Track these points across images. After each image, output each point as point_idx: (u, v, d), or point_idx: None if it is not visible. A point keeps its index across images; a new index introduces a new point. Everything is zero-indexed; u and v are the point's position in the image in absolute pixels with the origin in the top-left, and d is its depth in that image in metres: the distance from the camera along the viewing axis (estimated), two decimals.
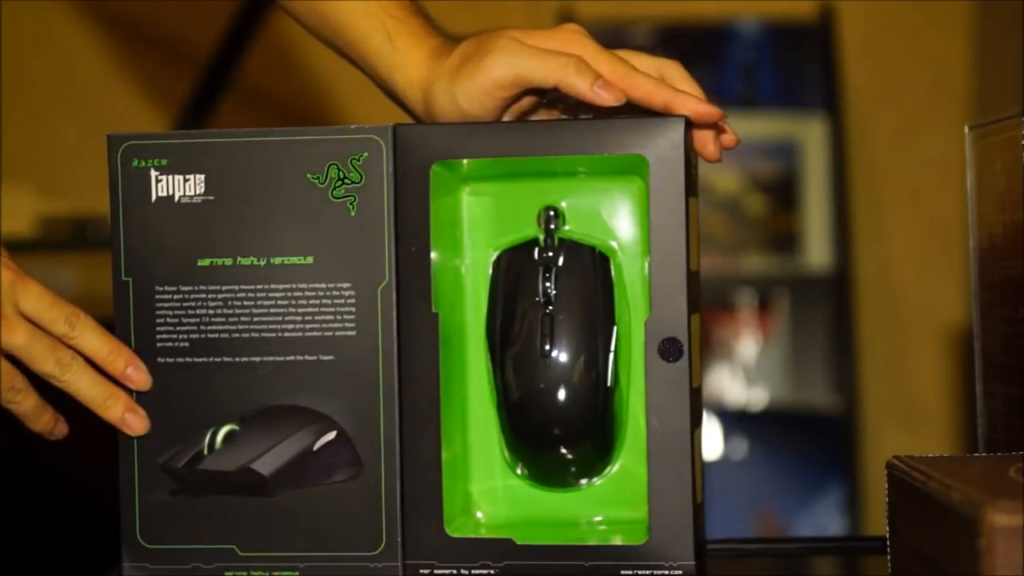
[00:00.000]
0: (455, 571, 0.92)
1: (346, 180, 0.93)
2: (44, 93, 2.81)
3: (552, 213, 0.95)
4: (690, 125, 0.92)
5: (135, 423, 0.94)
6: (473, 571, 0.92)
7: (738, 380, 2.62)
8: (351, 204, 0.93)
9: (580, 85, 0.92)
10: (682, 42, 2.66)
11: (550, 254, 0.94)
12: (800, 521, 2.55)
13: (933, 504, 0.77)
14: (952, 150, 2.67)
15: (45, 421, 0.96)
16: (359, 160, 0.93)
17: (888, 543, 0.87)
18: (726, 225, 2.65)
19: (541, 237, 0.95)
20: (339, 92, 2.72)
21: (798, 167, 2.67)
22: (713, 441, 2.57)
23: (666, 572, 0.91)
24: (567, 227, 0.96)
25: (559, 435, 0.93)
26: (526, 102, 0.97)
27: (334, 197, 0.93)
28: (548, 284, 0.93)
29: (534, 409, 0.93)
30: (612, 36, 2.57)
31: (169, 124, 2.54)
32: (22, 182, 2.68)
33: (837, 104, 2.68)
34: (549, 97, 0.98)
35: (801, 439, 2.59)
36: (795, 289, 2.65)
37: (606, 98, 0.92)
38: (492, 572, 0.92)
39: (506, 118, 0.97)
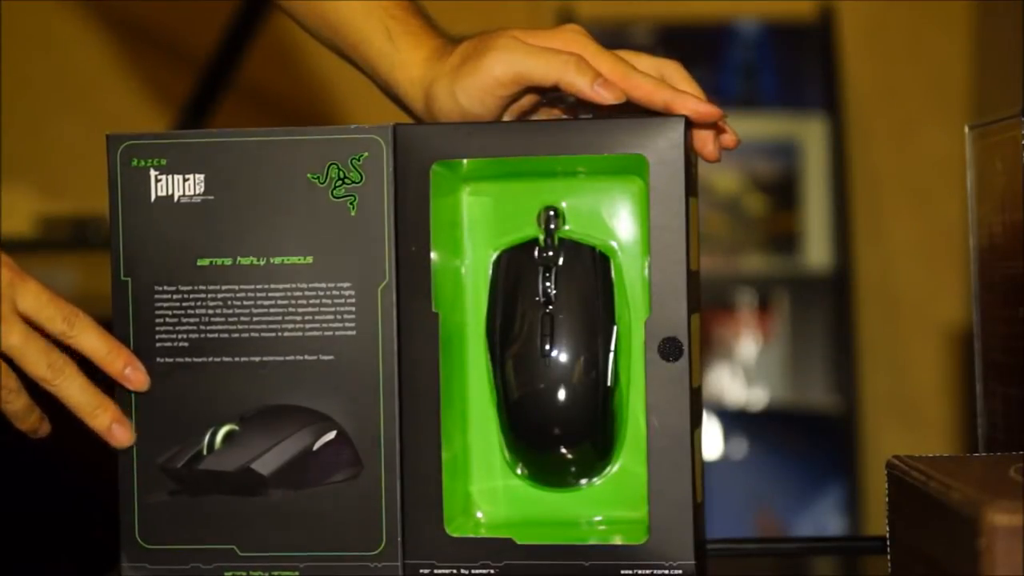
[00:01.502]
0: (455, 571, 0.92)
1: (346, 180, 0.93)
2: (44, 93, 2.81)
3: (552, 213, 0.95)
4: (690, 125, 0.92)
5: (121, 434, 0.94)
6: (473, 571, 0.92)
7: (738, 380, 2.62)
8: (351, 204, 0.93)
9: (580, 83, 0.92)
10: (682, 42, 2.66)
11: (550, 254, 0.94)
12: (800, 521, 2.55)
13: (933, 504, 0.77)
14: (952, 150, 2.67)
15: (32, 421, 0.96)
16: (359, 160, 0.93)
17: (888, 543, 0.87)
18: (726, 225, 2.65)
19: (541, 237, 0.95)
20: (339, 92, 2.72)
21: (798, 167, 2.67)
22: (713, 441, 2.57)
23: (666, 572, 0.91)
24: (567, 227, 0.96)
25: (559, 435, 0.93)
26: (526, 101, 0.97)
27: (334, 197, 0.93)
28: (548, 284, 0.93)
29: (534, 409, 0.93)
30: (612, 36, 2.57)
31: (169, 124, 2.54)
32: (22, 182, 2.68)
33: (837, 104, 2.68)
34: (549, 97, 0.98)
35: (801, 439, 2.59)
36: (795, 289, 2.64)
37: (606, 96, 0.92)
38: (492, 572, 0.92)
39: (506, 118, 0.97)
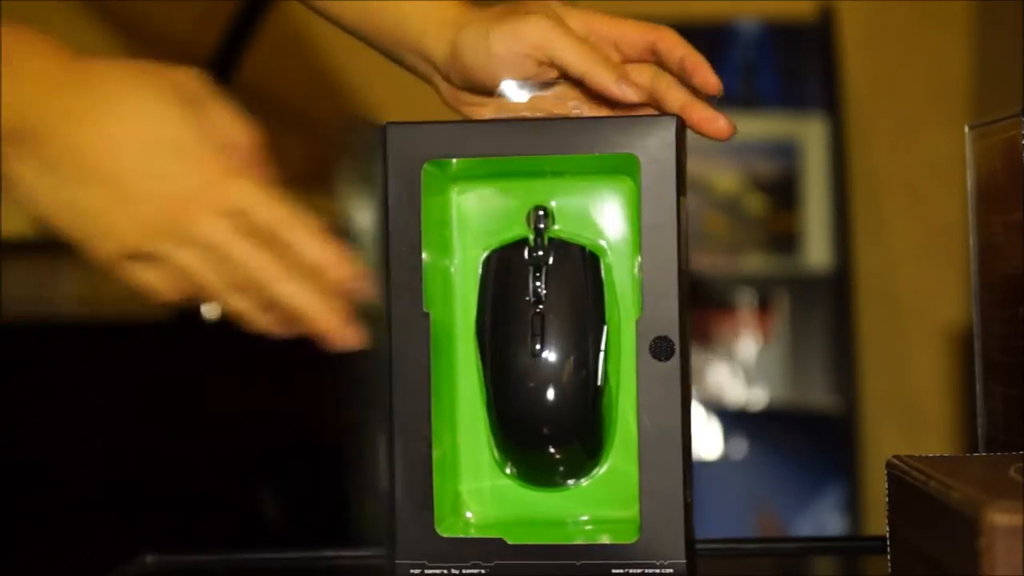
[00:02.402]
0: (446, 571, 0.92)
1: None
2: None
3: (542, 213, 0.95)
4: (682, 124, 0.93)
5: (347, 336, 0.88)
6: (464, 571, 0.92)
7: (738, 380, 2.62)
8: None
9: (606, 78, 0.94)
10: None
11: (540, 253, 0.94)
12: (800, 521, 2.55)
13: (933, 504, 0.77)
14: (952, 150, 2.67)
15: (267, 321, 0.88)
16: None
17: (888, 543, 0.87)
18: (726, 225, 2.65)
19: (531, 236, 0.95)
20: (339, 91, 2.72)
21: (798, 167, 2.66)
22: (713, 441, 2.57)
23: (657, 571, 0.91)
24: (556, 227, 0.95)
25: (548, 435, 0.93)
26: (543, 73, 0.98)
27: None
28: (538, 283, 0.93)
29: (523, 409, 0.93)
30: None
31: None
32: None
33: (837, 104, 2.67)
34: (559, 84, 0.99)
35: (801, 439, 2.59)
36: (795, 289, 2.64)
37: (630, 96, 0.94)
38: (483, 572, 0.92)
39: (517, 85, 0.97)
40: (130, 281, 0.86)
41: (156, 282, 0.86)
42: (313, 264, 0.87)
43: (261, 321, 0.88)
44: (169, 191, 0.84)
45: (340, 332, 0.88)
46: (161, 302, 0.87)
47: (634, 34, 0.99)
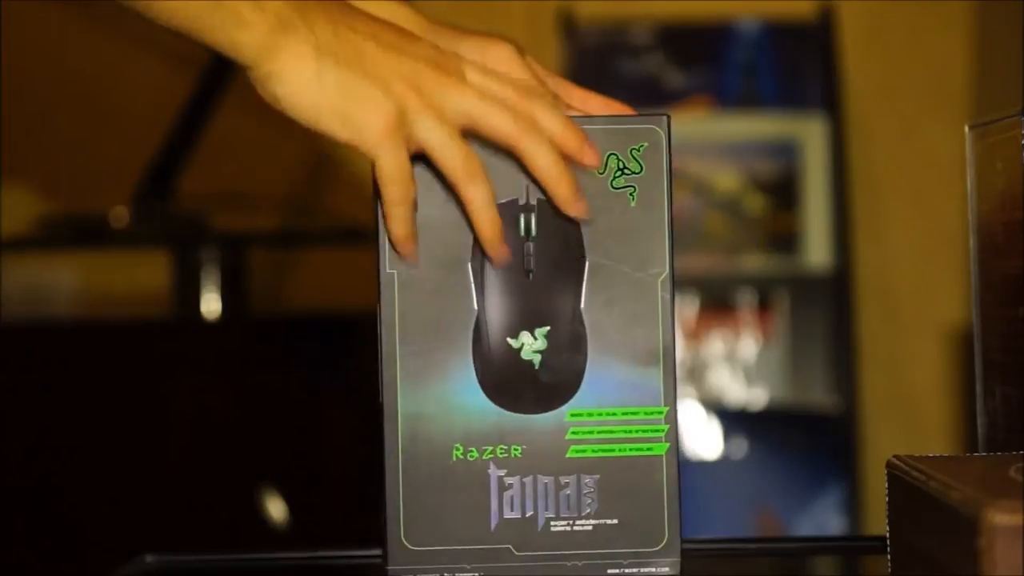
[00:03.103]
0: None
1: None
2: (44, 93, 2.81)
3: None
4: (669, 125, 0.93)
5: (581, 206, 0.90)
6: (456, 575, 0.92)
7: (738, 380, 2.62)
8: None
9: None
10: (682, 42, 2.66)
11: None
12: (800, 521, 2.55)
13: (933, 504, 0.77)
14: (952, 150, 2.67)
15: (493, 220, 0.90)
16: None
17: (888, 543, 0.87)
18: (726, 225, 2.65)
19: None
20: None
21: (798, 167, 2.66)
22: (713, 441, 2.57)
23: (653, 570, 0.91)
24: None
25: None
26: None
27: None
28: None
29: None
30: (612, 36, 2.56)
31: (168, 124, 2.54)
32: (22, 182, 2.68)
33: (837, 104, 2.68)
34: None
35: (801, 439, 2.59)
36: (795, 289, 2.64)
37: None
38: (478, 573, 0.92)
39: None
40: (384, 169, 0.87)
41: (407, 169, 0.88)
42: (552, 131, 0.89)
43: (487, 217, 0.89)
44: (436, 50, 0.88)
45: (577, 201, 0.90)
46: (402, 201, 0.88)
47: (597, 107, 1.00)
